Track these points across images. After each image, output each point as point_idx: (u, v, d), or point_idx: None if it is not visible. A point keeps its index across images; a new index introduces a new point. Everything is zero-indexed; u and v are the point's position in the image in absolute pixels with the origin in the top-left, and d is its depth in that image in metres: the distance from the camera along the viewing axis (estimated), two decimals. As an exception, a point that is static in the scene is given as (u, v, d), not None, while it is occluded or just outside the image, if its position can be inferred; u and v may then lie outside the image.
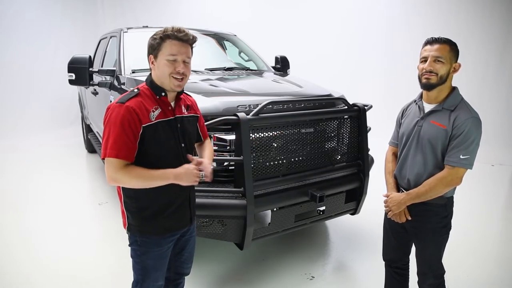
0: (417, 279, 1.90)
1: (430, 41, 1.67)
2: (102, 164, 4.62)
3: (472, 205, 3.97)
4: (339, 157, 2.72)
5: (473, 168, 1.67)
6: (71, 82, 3.31)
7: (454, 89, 1.72)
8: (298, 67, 5.37)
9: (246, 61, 4.12)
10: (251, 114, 2.23)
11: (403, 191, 1.82)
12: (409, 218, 1.79)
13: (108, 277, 2.61)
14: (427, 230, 1.77)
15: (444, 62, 1.62)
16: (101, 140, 4.48)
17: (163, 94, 1.51)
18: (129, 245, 1.60)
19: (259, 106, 2.26)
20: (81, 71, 3.24)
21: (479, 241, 3.22)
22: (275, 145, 2.37)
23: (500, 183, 4.83)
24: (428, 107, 1.74)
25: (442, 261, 1.84)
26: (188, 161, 1.54)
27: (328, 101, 2.77)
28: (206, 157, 1.69)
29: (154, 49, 1.47)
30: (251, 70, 3.88)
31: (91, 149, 5.76)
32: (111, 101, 3.35)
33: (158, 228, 1.55)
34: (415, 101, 1.85)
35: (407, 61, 6.21)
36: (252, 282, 2.58)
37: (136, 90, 1.49)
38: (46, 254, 2.91)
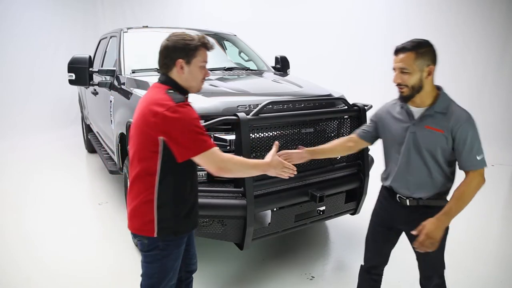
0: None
1: (395, 51, 1.61)
2: (102, 164, 4.62)
3: (472, 205, 3.96)
4: (339, 157, 2.72)
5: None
6: (71, 82, 3.31)
7: (439, 89, 1.66)
8: (298, 67, 5.37)
9: (246, 61, 4.12)
10: (251, 114, 2.23)
11: (402, 199, 1.75)
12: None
13: (108, 277, 2.61)
14: None
15: (410, 72, 1.56)
16: (105, 145, 4.47)
17: (186, 95, 1.56)
18: (146, 251, 1.57)
19: (259, 106, 2.26)
20: (81, 71, 3.24)
21: (479, 241, 3.22)
22: (275, 145, 2.37)
23: (500, 183, 4.83)
24: (417, 111, 1.67)
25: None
26: None
27: (328, 101, 2.77)
28: None
29: (188, 55, 1.49)
30: (251, 70, 3.88)
31: (91, 149, 5.76)
32: (111, 101, 3.38)
33: (189, 225, 1.62)
34: (400, 105, 1.74)
35: (407, 61, 6.21)
36: (252, 282, 2.58)
37: (171, 90, 1.50)
38: (46, 254, 2.91)
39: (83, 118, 5.90)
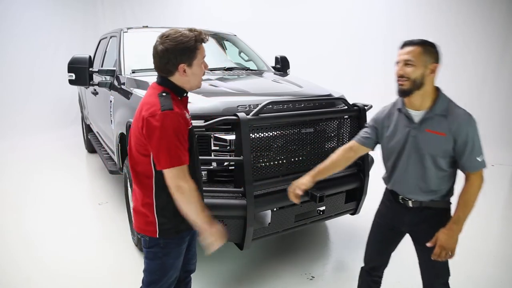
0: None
1: (402, 44, 1.62)
2: (102, 164, 4.62)
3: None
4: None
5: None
6: (71, 82, 3.31)
7: (438, 91, 1.64)
8: (298, 67, 5.37)
9: (246, 61, 4.12)
10: (251, 114, 2.23)
11: (405, 200, 1.75)
12: None
13: (108, 277, 2.61)
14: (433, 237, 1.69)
15: (415, 65, 1.55)
16: (104, 144, 4.47)
17: (184, 94, 1.54)
18: (148, 248, 1.59)
19: (259, 106, 2.26)
20: (81, 71, 3.24)
21: (479, 241, 3.22)
22: (275, 145, 2.37)
23: (500, 183, 4.83)
24: (417, 115, 1.64)
25: None
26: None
27: (328, 101, 2.77)
28: None
29: (190, 58, 1.45)
30: (251, 70, 3.88)
31: (91, 149, 5.76)
32: (111, 101, 3.38)
33: (190, 223, 1.59)
34: (399, 109, 1.71)
35: (407, 61, 6.21)
36: (252, 282, 2.58)
37: (165, 94, 1.45)
38: (46, 254, 2.91)
39: (83, 118, 5.90)
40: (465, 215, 1.60)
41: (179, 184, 1.40)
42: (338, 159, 1.87)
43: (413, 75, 1.56)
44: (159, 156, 1.39)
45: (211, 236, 1.51)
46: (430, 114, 1.60)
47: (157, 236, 1.54)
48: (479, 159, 1.58)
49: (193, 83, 1.52)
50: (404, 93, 1.61)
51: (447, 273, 1.77)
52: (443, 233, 1.59)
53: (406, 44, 1.60)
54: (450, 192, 1.69)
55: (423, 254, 1.75)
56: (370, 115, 2.86)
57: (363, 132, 1.88)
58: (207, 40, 1.51)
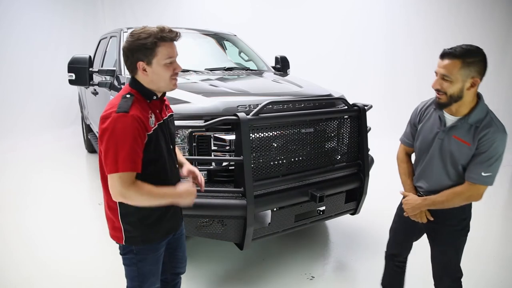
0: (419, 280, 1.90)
1: (442, 55, 1.50)
2: (102, 164, 4.62)
3: (472, 205, 3.96)
4: (339, 157, 2.72)
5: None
6: (71, 82, 3.31)
7: (478, 100, 1.57)
8: (298, 67, 5.37)
9: (246, 61, 4.12)
10: (251, 114, 2.23)
11: (420, 195, 1.80)
12: (431, 218, 1.74)
13: (108, 277, 2.61)
14: (445, 233, 1.75)
15: (452, 81, 1.47)
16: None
17: (154, 97, 1.45)
18: (123, 255, 1.55)
19: (259, 106, 2.26)
20: (81, 71, 3.23)
21: (479, 241, 3.21)
22: (275, 145, 2.37)
23: (500, 183, 4.83)
24: (450, 120, 1.61)
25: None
26: (176, 167, 1.58)
27: (328, 101, 2.77)
28: (188, 164, 1.70)
29: (146, 55, 1.35)
30: (251, 70, 3.88)
31: (91, 149, 5.77)
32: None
33: (160, 232, 1.53)
34: (435, 108, 1.69)
35: (407, 61, 6.22)
36: (252, 282, 2.58)
37: (129, 95, 1.38)
38: (46, 254, 2.91)
39: (83, 118, 5.91)
40: (434, 201, 1.67)
41: (122, 192, 1.31)
42: (409, 169, 1.89)
43: (449, 91, 1.50)
44: (106, 160, 1.32)
45: (185, 201, 1.45)
46: (463, 123, 1.56)
47: (124, 244, 1.49)
48: (484, 174, 1.54)
49: (159, 84, 1.42)
50: (441, 106, 1.58)
51: (457, 271, 1.80)
52: (414, 198, 1.73)
53: (446, 54, 1.49)
54: None
55: (435, 249, 1.82)
56: (370, 115, 2.88)
57: (405, 133, 1.91)
58: (174, 38, 1.39)
